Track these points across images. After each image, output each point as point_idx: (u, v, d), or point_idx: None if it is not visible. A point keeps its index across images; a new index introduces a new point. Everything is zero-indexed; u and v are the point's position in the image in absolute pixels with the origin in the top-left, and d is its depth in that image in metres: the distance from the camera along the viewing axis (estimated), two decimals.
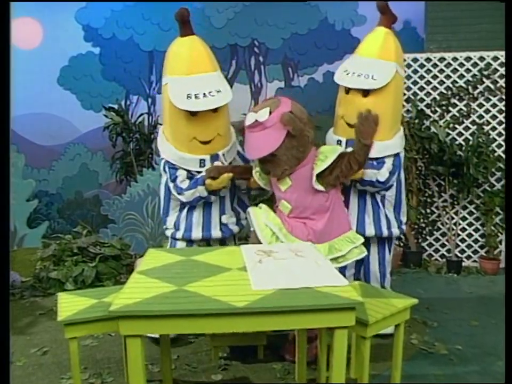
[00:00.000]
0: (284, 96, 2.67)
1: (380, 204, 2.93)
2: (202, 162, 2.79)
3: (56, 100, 5.80)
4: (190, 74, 2.66)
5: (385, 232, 2.91)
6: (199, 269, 2.02)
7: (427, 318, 3.30)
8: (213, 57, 2.81)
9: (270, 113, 2.44)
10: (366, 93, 2.76)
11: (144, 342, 1.71)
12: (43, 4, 5.62)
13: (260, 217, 2.59)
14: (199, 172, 2.80)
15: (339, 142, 2.88)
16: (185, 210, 2.89)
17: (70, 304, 2.20)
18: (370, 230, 2.88)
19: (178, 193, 2.80)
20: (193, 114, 2.65)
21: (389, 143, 2.84)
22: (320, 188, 2.54)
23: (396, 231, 2.97)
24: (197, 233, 2.84)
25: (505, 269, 2.61)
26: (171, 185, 2.82)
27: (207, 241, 2.91)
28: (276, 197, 2.73)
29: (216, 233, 2.86)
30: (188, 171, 2.80)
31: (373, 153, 2.64)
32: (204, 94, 2.61)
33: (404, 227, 3.05)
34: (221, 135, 2.79)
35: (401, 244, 4.64)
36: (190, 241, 2.89)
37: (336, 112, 2.98)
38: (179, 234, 2.88)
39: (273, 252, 2.23)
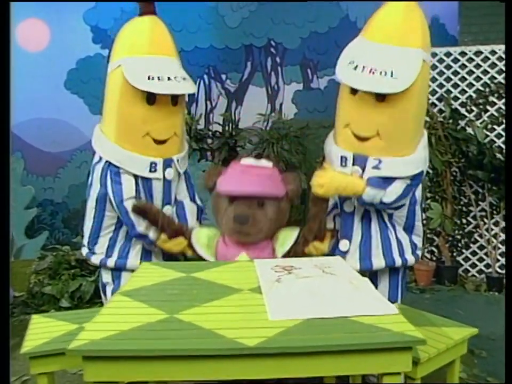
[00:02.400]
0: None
1: (389, 224, 2.30)
2: (153, 167, 2.32)
3: (63, 104, 5.51)
4: (151, 54, 2.28)
5: (398, 261, 2.27)
6: (200, 290, 1.62)
7: (473, 346, 2.83)
8: (174, 43, 2.44)
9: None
10: (382, 96, 2.06)
11: None
12: (50, 5, 5.39)
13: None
14: (147, 179, 2.34)
15: (343, 159, 2.20)
16: (122, 231, 2.37)
17: (41, 330, 1.81)
18: (378, 261, 2.24)
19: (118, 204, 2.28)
20: (150, 103, 2.25)
21: (405, 160, 2.15)
22: None
23: (410, 259, 2.31)
24: (133, 261, 2.33)
25: (505, 269, 2.16)
26: (111, 194, 2.28)
27: None
28: None
29: (158, 261, 2.36)
30: (135, 177, 2.32)
31: (383, 171, 2.11)
32: (169, 77, 2.24)
33: (419, 253, 2.39)
34: (177, 135, 2.40)
35: (434, 258, 4.17)
36: (119, 270, 2.38)
37: (337, 116, 2.28)
38: (110, 262, 2.35)
39: (294, 268, 1.83)
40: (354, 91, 2.12)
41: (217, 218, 2.26)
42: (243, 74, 5.39)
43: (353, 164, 2.18)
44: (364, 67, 2.04)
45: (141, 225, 2.27)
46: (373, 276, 2.22)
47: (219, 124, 5.09)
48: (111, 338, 1.20)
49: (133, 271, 2.20)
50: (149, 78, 2.20)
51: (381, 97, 2.06)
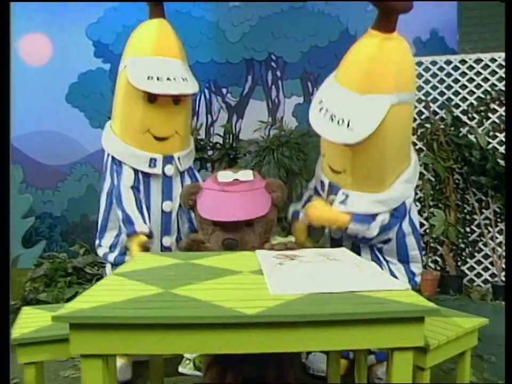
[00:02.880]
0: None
1: (380, 256, 2.25)
2: (152, 162, 2.39)
3: (64, 118, 5.53)
4: (154, 55, 2.35)
5: None
6: (199, 272, 1.55)
7: (482, 351, 2.75)
8: (182, 47, 2.50)
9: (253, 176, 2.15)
10: None
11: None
12: (53, 20, 5.47)
13: None
14: (146, 174, 2.40)
15: (322, 183, 2.28)
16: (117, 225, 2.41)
17: (30, 320, 1.73)
18: None
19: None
20: (151, 101, 2.34)
21: (374, 198, 2.11)
22: None
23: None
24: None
25: (505, 270, 2.09)
26: (112, 181, 2.37)
27: None
28: None
29: None
30: (135, 171, 2.39)
31: (349, 207, 2.11)
32: (168, 78, 2.29)
33: (417, 279, 2.30)
34: (179, 134, 2.45)
35: (438, 268, 4.08)
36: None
37: (320, 143, 2.31)
38: (111, 257, 2.41)
39: (298, 256, 1.77)
40: None
41: (204, 236, 2.14)
42: (244, 88, 5.41)
43: (328, 190, 2.23)
44: (326, 110, 1.99)
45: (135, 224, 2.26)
46: None
47: (220, 136, 5.08)
48: (100, 307, 1.13)
49: None
50: (148, 78, 2.28)
51: None
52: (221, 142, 4.99)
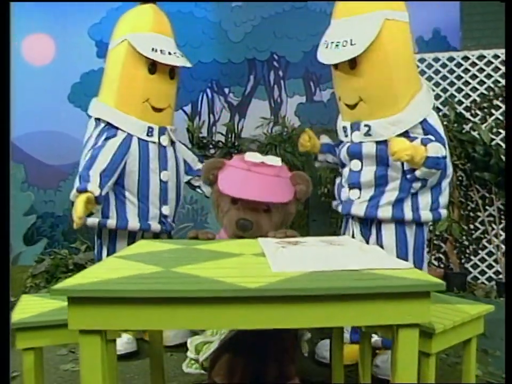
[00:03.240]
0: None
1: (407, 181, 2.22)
2: (150, 131, 2.52)
3: (66, 118, 5.54)
4: (153, 32, 2.56)
5: (408, 215, 2.23)
6: (200, 254, 1.54)
7: (487, 346, 2.73)
8: (172, 28, 2.74)
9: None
10: (353, 63, 2.16)
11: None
12: (56, 20, 5.48)
13: None
14: (144, 141, 2.51)
15: (345, 129, 2.35)
16: (115, 193, 2.45)
17: (30, 306, 1.71)
18: (385, 212, 2.24)
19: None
20: (151, 72, 2.52)
21: (392, 120, 2.18)
22: None
23: (425, 214, 2.25)
24: (134, 223, 2.45)
25: (505, 270, 2.06)
26: (91, 144, 2.45)
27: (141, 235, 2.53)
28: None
29: (155, 225, 2.51)
30: (130, 140, 2.48)
31: (374, 137, 2.19)
32: (169, 52, 2.53)
33: (442, 211, 2.30)
34: (171, 107, 2.67)
35: (442, 265, 4.05)
36: (119, 230, 2.49)
37: (335, 88, 2.46)
38: (111, 223, 2.43)
39: (300, 242, 1.75)
40: (335, 66, 2.27)
41: (218, 215, 2.13)
42: (246, 87, 5.41)
43: (351, 131, 2.29)
44: (331, 43, 2.18)
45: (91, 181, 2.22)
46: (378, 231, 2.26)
47: (222, 134, 5.07)
48: (100, 282, 1.11)
49: (132, 232, 2.44)
50: (152, 50, 2.46)
51: (353, 65, 2.17)
52: (223, 140, 4.98)
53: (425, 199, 2.23)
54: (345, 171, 2.37)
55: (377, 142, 2.21)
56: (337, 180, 2.51)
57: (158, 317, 1.10)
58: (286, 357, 1.77)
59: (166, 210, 2.55)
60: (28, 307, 1.71)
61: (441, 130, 2.24)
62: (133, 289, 1.08)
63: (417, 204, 2.22)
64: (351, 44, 2.09)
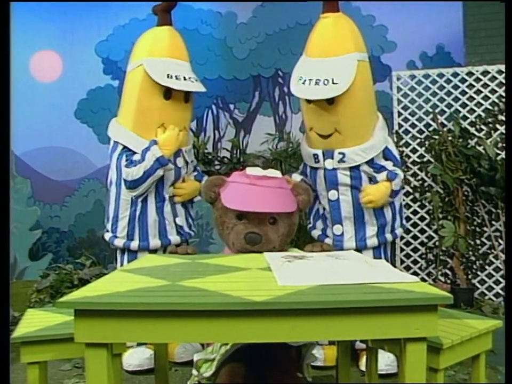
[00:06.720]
0: None
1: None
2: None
3: (73, 134, 5.59)
4: (169, 57, 2.61)
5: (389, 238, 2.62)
6: (206, 268, 1.53)
7: (496, 363, 2.68)
8: (187, 51, 2.79)
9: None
10: (331, 100, 2.37)
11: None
12: (64, 37, 5.57)
13: None
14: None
15: (315, 156, 2.54)
16: (137, 214, 2.58)
17: (36, 320, 1.70)
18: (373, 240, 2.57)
19: (129, 166, 2.50)
20: (166, 98, 2.57)
21: (365, 147, 2.47)
22: None
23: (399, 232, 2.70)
24: (155, 241, 2.60)
25: (505, 270, 2.03)
26: (124, 171, 2.50)
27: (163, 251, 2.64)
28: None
29: (174, 238, 2.65)
30: None
31: (347, 163, 2.45)
32: (184, 77, 2.57)
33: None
34: (186, 130, 2.72)
35: (449, 281, 4.01)
36: (143, 251, 2.59)
37: (304, 122, 2.67)
38: (134, 245, 2.58)
39: (306, 257, 1.74)
40: (308, 101, 2.45)
41: (223, 232, 2.11)
42: (251, 104, 5.45)
43: (324, 158, 2.48)
44: (309, 80, 2.34)
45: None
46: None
47: (227, 150, 5.09)
48: (106, 295, 1.11)
49: (155, 251, 2.57)
50: (167, 76, 2.51)
51: (330, 101, 2.37)
52: (228, 156, 4.99)
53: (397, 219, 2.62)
54: (323, 200, 2.59)
55: (350, 169, 2.47)
56: (316, 206, 2.67)
57: (165, 330, 1.09)
58: (290, 364, 1.75)
59: (179, 221, 2.67)
60: (33, 321, 1.70)
61: (397, 154, 2.59)
62: (140, 302, 1.07)
63: (393, 226, 2.60)
64: (333, 83, 2.30)
